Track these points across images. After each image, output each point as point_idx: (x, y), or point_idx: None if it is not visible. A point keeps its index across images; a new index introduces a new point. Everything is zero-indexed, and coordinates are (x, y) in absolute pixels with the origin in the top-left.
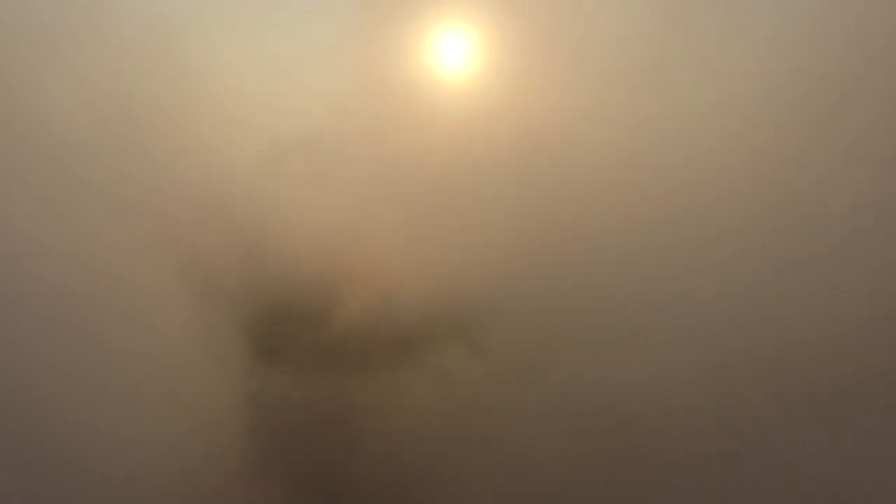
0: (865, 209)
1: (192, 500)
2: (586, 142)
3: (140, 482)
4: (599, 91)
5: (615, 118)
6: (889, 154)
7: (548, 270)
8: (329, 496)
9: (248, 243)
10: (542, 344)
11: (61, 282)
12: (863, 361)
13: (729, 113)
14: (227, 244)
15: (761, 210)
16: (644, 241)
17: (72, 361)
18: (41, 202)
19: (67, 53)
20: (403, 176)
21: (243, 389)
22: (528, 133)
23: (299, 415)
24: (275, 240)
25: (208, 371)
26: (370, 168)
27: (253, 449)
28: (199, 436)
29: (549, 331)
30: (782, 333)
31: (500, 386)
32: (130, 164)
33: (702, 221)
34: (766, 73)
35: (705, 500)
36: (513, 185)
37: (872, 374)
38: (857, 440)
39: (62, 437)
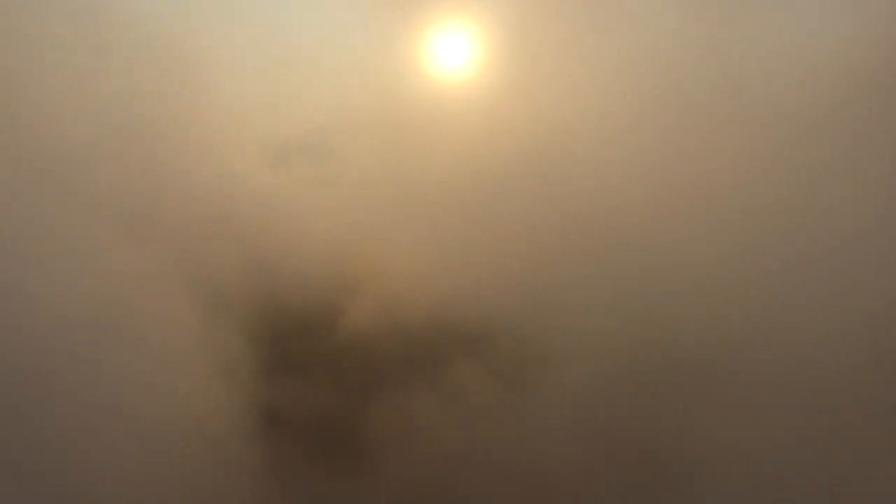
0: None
1: None
2: (590, 141)
3: (149, 495)
4: (601, 91)
5: (618, 117)
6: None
7: (554, 280)
8: None
9: (255, 255)
10: (547, 355)
11: (70, 299)
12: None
13: (738, 119)
14: (234, 257)
15: (773, 213)
16: (654, 242)
17: (82, 371)
18: (47, 225)
19: (72, 65)
20: (410, 179)
21: (252, 401)
22: (532, 133)
23: (308, 426)
24: (281, 250)
25: (216, 383)
26: (374, 170)
27: (259, 457)
28: (209, 448)
29: (552, 342)
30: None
31: (509, 399)
32: (135, 180)
33: (712, 221)
34: (775, 83)
35: None
36: (518, 187)
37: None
38: (856, 439)
39: (73, 459)
